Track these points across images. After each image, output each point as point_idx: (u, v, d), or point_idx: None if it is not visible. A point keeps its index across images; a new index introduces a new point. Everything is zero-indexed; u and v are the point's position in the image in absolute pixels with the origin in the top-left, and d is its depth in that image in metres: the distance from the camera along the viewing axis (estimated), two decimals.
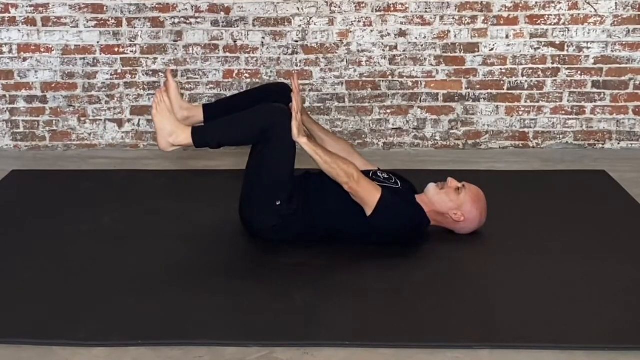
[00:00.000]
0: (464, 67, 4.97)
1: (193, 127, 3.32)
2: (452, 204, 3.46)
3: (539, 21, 4.89)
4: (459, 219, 3.46)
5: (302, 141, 3.23)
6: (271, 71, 4.95)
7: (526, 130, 5.06)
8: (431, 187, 3.52)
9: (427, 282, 3.21)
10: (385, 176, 3.57)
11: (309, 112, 5.02)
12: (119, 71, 4.97)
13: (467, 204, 3.46)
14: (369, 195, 3.31)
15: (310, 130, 3.62)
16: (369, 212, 3.33)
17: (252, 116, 3.30)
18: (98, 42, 4.92)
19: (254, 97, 3.53)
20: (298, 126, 3.21)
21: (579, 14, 4.88)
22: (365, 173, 3.53)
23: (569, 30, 4.90)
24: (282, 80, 4.94)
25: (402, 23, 4.90)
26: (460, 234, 3.55)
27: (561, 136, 5.07)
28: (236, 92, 4.98)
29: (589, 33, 4.90)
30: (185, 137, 3.31)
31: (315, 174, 3.50)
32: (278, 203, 3.35)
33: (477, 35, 4.92)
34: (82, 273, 3.26)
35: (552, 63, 4.95)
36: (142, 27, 4.90)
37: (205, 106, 3.54)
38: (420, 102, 5.03)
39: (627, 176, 4.48)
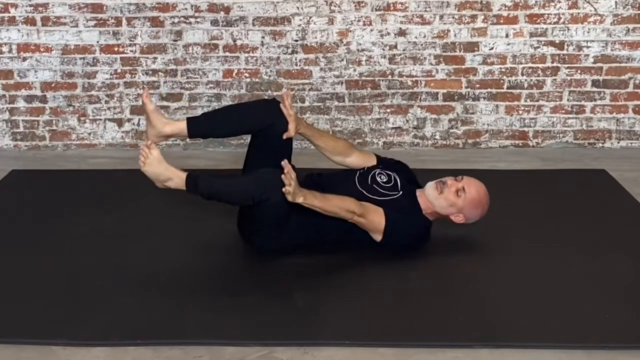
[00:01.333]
0: (463, 66, 4.96)
1: (187, 175, 3.24)
2: (452, 209, 3.42)
3: (538, 20, 4.89)
4: (460, 221, 3.44)
5: (299, 201, 3.11)
6: (271, 70, 4.95)
7: (526, 129, 5.06)
8: (430, 189, 3.45)
9: (427, 281, 3.21)
10: (385, 179, 3.49)
11: (309, 112, 5.03)
12: (119, 71, 4.97)
13: (468, 207, 3.42)
14: (375, 226, 3.30)
15: (308, 137, 3.58)
16: (378, 238, 3.33)
17: (247, 186, 3.21)
18: (98, 42, 4.92)
19: (244, 119, 3.44)
20: (293, 190, 3.06)
21: (578, 13, 4.88)
22: (366, 173, 3.53)
23: (568, 29, 4.90)
24: (280, 78, 4.95)
25: (401, 22, 4.90)
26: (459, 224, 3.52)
27: (561, 135, 5.07)
28: (235, 91, 4.98)
29: (588, 32, 4.90)
30: (179, 182, 3.24)
31: (316, 179, 3.48)
32: (276, 236, 3.33)
33: (476, 34, 4.91)
34: (82, 273, 3.26)
35: (552, 62, 4.95)
36: (141, 26, 4.90)
37: (189, 121, 3.42)
38: (420, 101, 5.03)
39: (627, 175, 4.48)
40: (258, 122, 3.42)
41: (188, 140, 4.93)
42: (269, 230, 3.31)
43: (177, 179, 3.23)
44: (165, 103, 5.01)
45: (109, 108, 5.03)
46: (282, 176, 3.03)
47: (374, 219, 3.29)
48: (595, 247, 3.53)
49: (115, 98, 5.01)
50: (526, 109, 5.03)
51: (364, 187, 3.43)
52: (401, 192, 3.47)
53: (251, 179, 3.23)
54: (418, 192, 3.51)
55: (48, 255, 3.43)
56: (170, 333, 2.80)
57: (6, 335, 2.79)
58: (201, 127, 3.42)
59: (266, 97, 3.37)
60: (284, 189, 3.05)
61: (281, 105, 3.41)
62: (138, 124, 5.05)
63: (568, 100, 5.02)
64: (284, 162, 3.04)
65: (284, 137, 3.41)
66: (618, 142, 5.07)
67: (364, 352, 2.71)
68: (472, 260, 3.40)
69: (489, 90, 5.00)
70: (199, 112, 5.01)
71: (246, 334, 2.79)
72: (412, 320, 2.90)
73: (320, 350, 2.71)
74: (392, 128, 5.06)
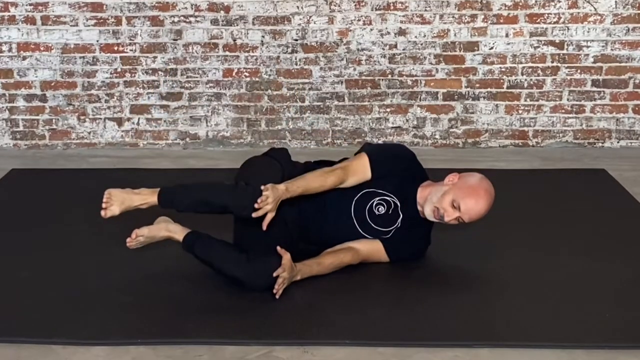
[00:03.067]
0: (463, 66, 4.97)
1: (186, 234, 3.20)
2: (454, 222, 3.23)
3: (538, 20, 4.89)
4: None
5: (296, 279, 3.07)
6: (271, 70, 4.95)
7: (526, 128, 5.06)
8: (428, 212, 3.21)
9: (427, 280, 3.21)
10: (383, 211, 3.25)
11: (309, 111, 5.03)
12: (119, 70, 4.97)
13: (468, 218, 3.21)
14: (378, 259, 3.28)
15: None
16: (385, 260, 3.30)
17: (239, 267, 3.06)
18: (97, 41, 4.92)
19: (215, 203, 3.09)
20: (289, 281, 3.02)
21: (578, 13, 4.88)
22: (363, 203, 3.27)
23: (568, 29, 4.90)
24: (280, 78, 4.94)
25: (401, 22, 4.90)
26: None
27: (561, 135, 5.07)
28: (235, 90, 4.98)
29: (588, 32, 4.90)
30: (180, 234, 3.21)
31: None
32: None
33: (476, 33, 4.92)
34: (82, 272, 3.26)
35: (552, 62, 4.95)
36: (141, 25, 4.90)
37: (161, 191, 3.12)
38: (420, 100, 5.03)
39: (627, 175, 4.48)
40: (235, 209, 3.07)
41: (191, 130, 4.94)
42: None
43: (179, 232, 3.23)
44: (165, 102, 5.01)
45: (108, 107, 5.03)
46: (275, 274, 2.96)
47: (374, 256, 3.28)
48: (595, 246, 3.53)
49: (115, 97, 5.01)
50: (526, 108, 5.03)
51: (363, 226, 3.26)
52: (401, 217, 3.28)
53: (246, 263, 3.05)
54: (419, 191, 3.30)
55: (48, 254, 3.42)
56: (171, 332, 2.80)
57: (6, 334, 2.78)
58: (171, 199, 3.12)
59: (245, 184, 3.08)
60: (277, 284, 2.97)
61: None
62: (138, 123, 5.05)
63: (568, 99, 5.02)
64: (280, 250, 2.98)
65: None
66: (618, 142, 5.07)
67: (364, 351, 2.71)
68: (472, 260, 3.40)
69: (488, 89, 5.00)
70: (199, 111, 5.01)
71: (246, 333, 2.79)
72: (412, 319, 2.90)
73: (320, 349, 2.71)
74: (392, 127, 5.07)
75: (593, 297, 3.06)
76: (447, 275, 3.27)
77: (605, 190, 4.24)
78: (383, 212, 3.27)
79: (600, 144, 5.08)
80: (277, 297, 2.98)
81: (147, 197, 3.11)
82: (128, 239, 3.20)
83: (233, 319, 2.88)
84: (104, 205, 3.08)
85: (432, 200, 3.20)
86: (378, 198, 3.27)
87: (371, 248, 3.28)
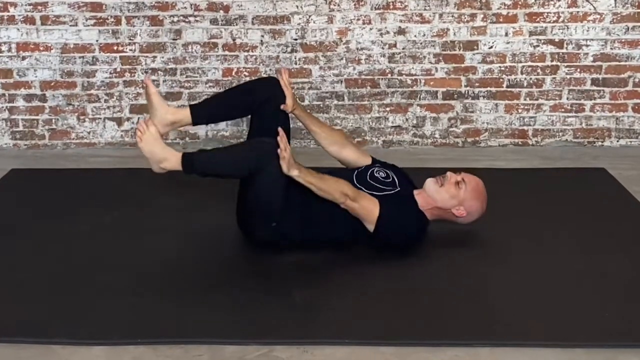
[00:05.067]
0: (463, 65, 4.97)
1: (183, 154, 3.25)
2: (454, 201, 3.43)
3: (538, 19, 4.89)
4: (461, 214, 3.44)
5: (293, 174, 3.16)
6: (270, 69, 4.95)
7: (525, 128, 5.06)
8: (430, 184, 3.47)
9: (427, 280, 3.21)
10: (383, 175, 3.52)
11: (309, 110, 5.03)
12: (118, 70, 4.97)
13: (468, 199, 3.43)
14: (368, 213, 3.28)
15: (305, 124, 3.66)
16: (370, 228, 3.31)
17: (242, 155, 3.27)
18: (97, 41, 4.92)
19: (243, 98, 3.51)
20: (288, 162, 3.13)
21: (578, 12, 4.88)
22: (364, 170, 3.53)
23: (568, 28, 4.90)
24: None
25: (401, 21, 4.90)
26: (460, 224, 3.53)
27: (560, 134, 5.07)
28: None
29: (588, 31, 4.90)
30: (175, 163, 3.26)
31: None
32: (274, 224, 3.32)
33: (476, 33, 4.92)
34: (82, 272, 3.26)
35: (552, 61, 4.95)
36: (141, 25, 4.90)
37: (192, 107, 3.46)
38: (420, 100, 5.03)
39: (627, 174, 4.48)
40: (257, 97, 3.47)
41: (191, 130, 4.96)
42: (265, 216, 3.30)
43: (173, 159, 3.25)
44: None
45: (108, 107, 5.03)
46: (278, 138, 3.09)
47: (368, 205, 3.28)
48: (594, 245, 3.53)
49: (115, 97, 5.01)
50: (525, 107, 5.03)
51: (363, 184, 3.43)
52: (399, 189, 3.48)
53: (246, 149, 3.32)
54: (416, 192, 3.51)
55: (48, 254, 3.43)
56: (170, 332, 2.80)
57: (6, 334, 2.79)
58: (204, 112, 3.46)
59: (261, 95, 3.46)
60: (279, 151, 3.10)
61: (279, 78, 3.51)
62: (137, 123, 5.05)
63: (567, 98, 5.02)
64: (279, 129, 3.14)
65: (282, 108, 3.48)
66: (617, 141, 5.07)
67: (364, 351, 2.71)
68: (472, 259, 3.40)
69: (488, 88, 5.00)
70: None
71: (246, 333, 2.79)
72: (412, 318, 2.91)
73: (320, 348, 2.71)
74: (392, 127, 5.07)
75: (592, 296, 3.06)
76: (447, 273, 3.27)
77: (605, 189, 4.25)
78: (384, 176, 3.51)
79: (600, 143, 5.08)
80: (284, 165, 3.12)
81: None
82: (140, 124, 3.30)
83: (233, 319, 2.89)
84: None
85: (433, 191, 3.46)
86: (377, 168, 3.57)
87: (370, 197, 3.33)
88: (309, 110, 5.00)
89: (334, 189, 3.23)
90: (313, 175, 3.20)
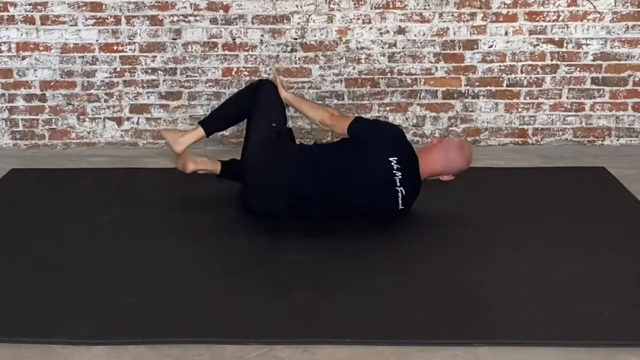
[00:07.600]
0: (463, 64, 4.96)
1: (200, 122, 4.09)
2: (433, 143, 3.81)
3: (537, 18, 4.89)
4: (435, 144, 3.79)
5: (288, 95, 3.94)
6: (270, 69, 4.95)
7: (525, 127, 5.06)
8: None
9: (427, 279, 3.21)
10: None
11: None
12: (118, 69, 4.97)
13: (448, 143, 3.79)
14: (346, 123, 3.77)
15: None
16: (347, 130, 3.76)
17: (241, 93, 4.14)
18: (97, 41, 4.92)
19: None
20: (281, 84, 3.99)
21: (577, 11, 4.88)
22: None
23: (568, 27, 4.90)
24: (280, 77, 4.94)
25: (401, 20, 4.90)
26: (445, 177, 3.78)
27: (560, 133, 5.07)
28: (234, 90, 4.98)
29: (588, 30, 4.90)
30: (195, 130, 4.03)
31: (307, 149, 3.93)
32: (274, 125, 3.85)
33: (476, 32, 4.91)
34: (82, 272, 3.26)
35: (551, 60, 4.95)
36: (141, 25, 4.90)
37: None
38: (420, 99, 5.03)
39: (627, 173, 4.48)
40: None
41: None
42: (267, 119, 3.87)
43: (191, 131, 4.05)
44: (164, 102, 5.01)
45: (108, 107, 5.03)
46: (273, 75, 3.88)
47: (347, 119, 3.82)
48: (594, 244, 3.53)
49: (115, 97, 5.01)
50: (525, 106, 5.03)
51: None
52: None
53: (243, 90, 4.19)
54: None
55: (47, 254, 3.43)
56: (170, 331, 2.80)
57: (6, 334, 2.79)
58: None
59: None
60: (272, 78, 3.92)
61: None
62: (137, 123, 5.05)
63: (567, 97, 5.02)
64: (276, 69, 4.22)
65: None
66: (617, 140, 5.07)
67: (364, 350, 2.71)
68: (472, 258, 3.41)
69: (488, 88, 5.00)
70: (198, 110, 5.02)
71: (246, 332, 2.79)
72: (412, 318, 2.90)
73: (320, 348, 2.71)
74: None
75: (593, 295, 3.06)
76: (447, 272, 3.27)
77: (605, 188, 4.24)
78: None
79: (599, 142, 5.08)
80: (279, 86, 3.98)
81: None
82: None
83: (232, 318, 2.89)
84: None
85: None
86: None
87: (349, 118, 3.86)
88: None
89: (320, 108, 3.98)
90: (303, 100, 4.11)
